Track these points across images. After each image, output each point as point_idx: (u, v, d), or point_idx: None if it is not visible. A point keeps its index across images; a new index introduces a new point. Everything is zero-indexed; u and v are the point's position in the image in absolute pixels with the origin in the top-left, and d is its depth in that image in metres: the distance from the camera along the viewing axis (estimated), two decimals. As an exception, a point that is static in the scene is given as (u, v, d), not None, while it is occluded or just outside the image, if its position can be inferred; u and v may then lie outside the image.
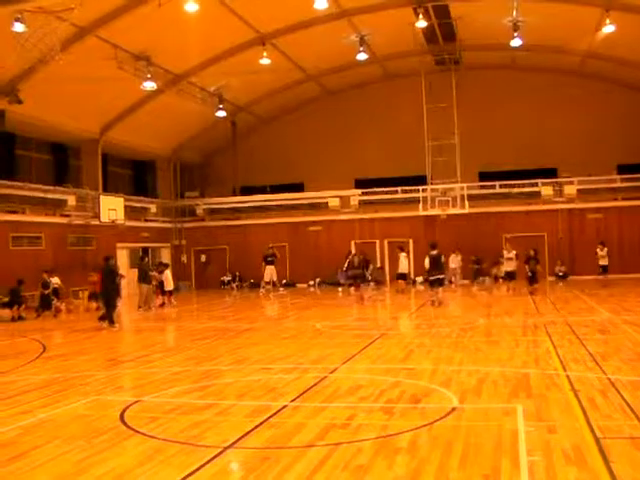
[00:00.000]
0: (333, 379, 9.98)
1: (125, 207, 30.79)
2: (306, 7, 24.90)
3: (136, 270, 25.87)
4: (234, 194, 38.07)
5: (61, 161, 31.48)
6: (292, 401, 8.56)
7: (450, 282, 29.67)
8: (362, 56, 30.32)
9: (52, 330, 19.30)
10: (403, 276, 28.40)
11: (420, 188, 33.21)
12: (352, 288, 26.31)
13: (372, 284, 32.60)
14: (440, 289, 21.32)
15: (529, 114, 35.02)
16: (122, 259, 31.61)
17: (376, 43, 31.04)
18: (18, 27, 18.70)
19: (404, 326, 17.72)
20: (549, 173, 33.95)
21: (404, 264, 28.37)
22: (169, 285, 25.31)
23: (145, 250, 33.53)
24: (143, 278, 23.97)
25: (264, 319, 20.89)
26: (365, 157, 36.56)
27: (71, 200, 28.50)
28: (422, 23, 27.12)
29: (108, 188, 32.45)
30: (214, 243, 36.42)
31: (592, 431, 6.68)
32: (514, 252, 24.86)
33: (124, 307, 25.78)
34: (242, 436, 7.00)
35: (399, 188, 34.49)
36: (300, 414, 7.93)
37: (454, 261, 30.55)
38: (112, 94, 27.83)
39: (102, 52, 24.20)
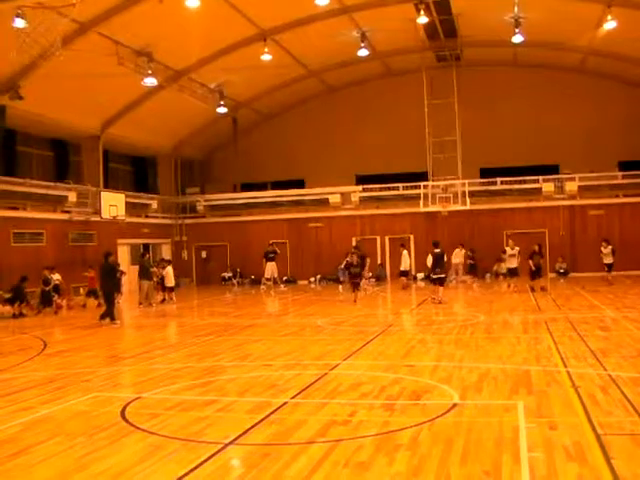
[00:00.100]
0: (334, 376, 9.99)
1: (126, 203, 30.79)
2: (307, 3, 24.88)
3: (137, 266, 25.90)
4: (235, 190, 38.06)
5: (62, 157, 31.47)
6: (293, 398, 8.57)
7: (456, 274, 29.77)
8: (363, 52, 30.28)
9: (53, 327, 19.32)
10: (405, 273, 28.48)
11: (421, 184, 33.19)
12: (341, 287, 26.27)
13: (372, 280, 32.62)
14: (441, 288, 21.25)
15: (530, 110, 34.96)
16: (123, 255, 31.61)
17: (377, 39, 31.00)
18: (19, 23, 18.69)
19: (405, 323, 17.73)
20: (550, 170, 33.87)
21: (406, 262, 28.39)
22: (170, 281, 25.34)
23: (146, 246, 33.55)
24: (144, 274, 23.99)
25: (265, 316, 20.88)
26: (366, 153, 36.51)
27: (72, 196, 28.50)
28: (423, 19, 27.06)
29: (109, 184, 32.44)
30: (215, 239, 36.41)
31: (593, 427, 6.68)
32: (517, 249, 24.73)
33: (125, 303, 25.82)
34: (243, 432, 7.01)
35: (400, 184, 34.44)
36: (301, 411, 7.93)
37: (458, 256, 30.54)
38: (113, 90, 27.81)
39: (103, 48, 24.16)
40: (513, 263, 24.97)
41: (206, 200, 37.11)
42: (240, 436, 6.89)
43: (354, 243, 32.16)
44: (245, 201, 36.64)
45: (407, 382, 9.33)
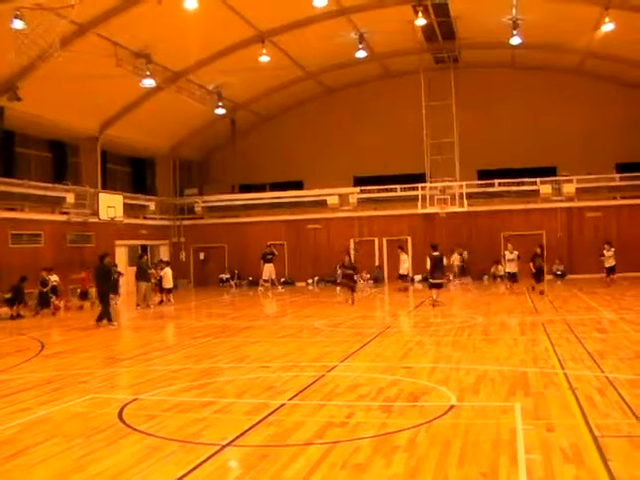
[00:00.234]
0: (331, 377, 9.99)
1: (124, 204, 30.78)
2: (305, 5, 24.88)
3: (134, 268, 25.88)
4: (233, 192, 38.07)
5: (60, 158, 31.47)
6: (291, 399, 8.57)
7: (455, 276, 29.80)
8: (361, 54, 30.32)
9: (50, 328, 19.31)
10: (403, 277, 28.39)
11: (419, 186, 33.19)
12: (339, 289, 25.99)
13: (370, 282, 32.68)
14: (436, 291, 20.91)
15: (528, 112, 34.99)
16: (121, 257, 31.63)
17: (375, 41, 31.02)
18: (17, 24, 18.69)
19: (403, 324, 17.73)
20: (548, 172, 33.94)
21: (405, 265, 28.33)
22: (168, 283, 25.32)
23: (144, 248, 33.52)
24: (141, 276, 23.97)
25: (263, 317, 20.88)
26: (364, 155, 36.52)
27: (70, 197, 28.50)
28: (421, 21, 27.09)
29: (107, 185, 32.43)
30: (213, 241, 36.40)
31: (590, 429, 6.69)
32: (516, 253, 24.69)
33: (122, 305, 25.81)
34: (240, 434, 7.01)
35: (398, 186, 34.47)
36: (298, 412, 7.94)
37: (458, 259, 30.54)
38: (111, 92, 27.80)
39: (101, 50, 24.15)
40: (512, 267, 24.93)
41: (204, 201, 37.11)
42: (238, 437, 6.89)
43: (352, 245, 32.20)
44: (243, 202, 36.65)
45: (404, 384, 9.33)
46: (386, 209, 34.54)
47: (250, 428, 7.22)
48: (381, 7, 27.45)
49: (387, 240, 34.09)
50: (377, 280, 33.34)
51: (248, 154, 37.79)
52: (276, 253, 31.17)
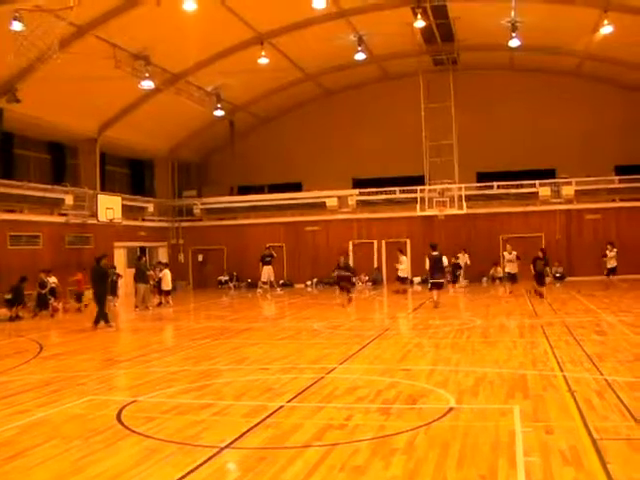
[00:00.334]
0: (330, 379, 9.99)
1: (123, 206, 30.76)
2: (305, 7, 24.84)
3: (133, 269, 25.86)
4: (232, 194, 38.05)
5: (59, 160, 31.47)
6: (289, 401, 8.57)
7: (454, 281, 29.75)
8: (360, 56, 30.34)
9: (49, 330, 19.29)
10: (403, 279, 28.30)
11: (418, 188, 33.22)
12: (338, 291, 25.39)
13: (369, 284, 32.70)
14: (436, 292, 20.91)
15: (527, 115, 35.03)
16: (119, 258, 31.61)
17: (374, 43, 31.03)
18: (16, 26, 18.67)
19: (401, 327, 17.72)
20: (547, 174, 33.96)
21: (402, 267, 28.29)
22: (167, 285, 25.28)
23: (142, 249, 33.52)
24: (140, 277, 23.95)
25: (262, 319, 20.87)
26: (363, 157, 36.53)
27: (69, 199, 28.47)
28: (420, 23, 27.08)
29: (106, 187, 32.41)
30: (211, 243, 36.39)
31: (589, 432, 6.69)
32: (514, 253, 24.74)
33: (121, 307, 25.79)
34: (239, 436, 7.00)
35: (397, 188, 34.50)
36: (297, 414, 7.93)
37: (460, 261, 30.53)
38: (110, 93, 27.79)
39: (100, 51, 24.15)
40: (512, 268, 24.97)
41: (203, 203, 37.10)
42: (236, 440, 6.88)
43: (351, 247, 32.19)
44: (242, 204, 36.63)
45: (403, 386, 9.33)
46: (385, 211, 34.54)
47: (248, 430, 7.22)
48: (380, 9, 27.46)
49: (386, 242, 34.09)
50: (376, 282, 33.34)
51: (247, 156, 37.78)
52: (275, 255, 31.16)
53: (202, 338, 15.46)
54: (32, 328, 19.23)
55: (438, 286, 21.00)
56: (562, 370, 9.98)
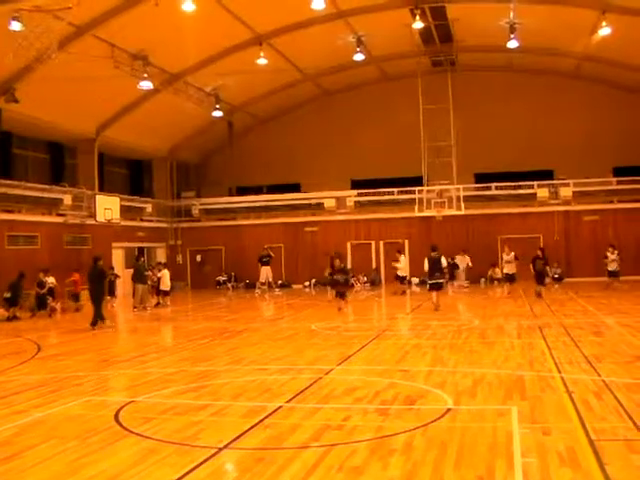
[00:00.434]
0: (328, 380, 9.98)
1: (121, 207, 30.74)
2: (303, 7, 24.90)
3: (131, 270, 25.84)
4: (230, 194, 38.04)
5: (57, 160, 31.46)
6: (287, 402, 8.56)
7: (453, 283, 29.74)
8: (359, 57, 30.39)
9: (47, 330, 19.26)
10: (402, 279, 28.28)
11: (416, 189, 33.25)
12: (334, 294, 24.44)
13: (367, 285, 32.69)
14: (436, 293, 20.82)
15: (525, 116, 35.07)
16: (118, 259, 31.58)
17: (373, 44, 31.06)
18: (15, 26, 18.68)
19: (400, 327, 17.72)
20: (545, 175, 34.00)
21: (403, 267, 28.27)
22: (165, 285, 25.25)
23: (141, 250, 33.47)
24: (138, 278, 23.94)
25: (260, 320, 20.85)
26: (361, 158, 36.54)
27: (67, 199, 28.45)
28: (419, 24, 27.15)
29: (104, 187, 32.40)
30: (210, 243, 36.38)
31: (586, 433, 6.69)
32: (512, 254, 24.76)
33: (119, 307, 25.77)
34: (237, 437, 6.99)
35: (395, 189, 34.52)
36: (295, 415, 7.92)
37: (462, 261, 30.54)
38: (109, 93, 27.79)
39: (99, 51, 24.17)
40: (510, 269, 24.98)
41: (201, 204, 37.09)
42: (234, 440, 6.88)
43: (349, 248, 32.18)
44: (240, 205, 36.65)
45: (401, 387, 9.33)
46: (383, 212, 34.54)
47: (246, 431, 7.21)
48: (379, 10, 27.49)
49: (384, 243, 34.09)
50: (374, 283, 33.34)
51: (245, 157, 37.80)
52: (273, 256, 31.15)
53: (200, 338, 15.46)
54: (30, 328, 19.21)
55: (437, 287, 20.88)
56: (560, 371, 9.98)
